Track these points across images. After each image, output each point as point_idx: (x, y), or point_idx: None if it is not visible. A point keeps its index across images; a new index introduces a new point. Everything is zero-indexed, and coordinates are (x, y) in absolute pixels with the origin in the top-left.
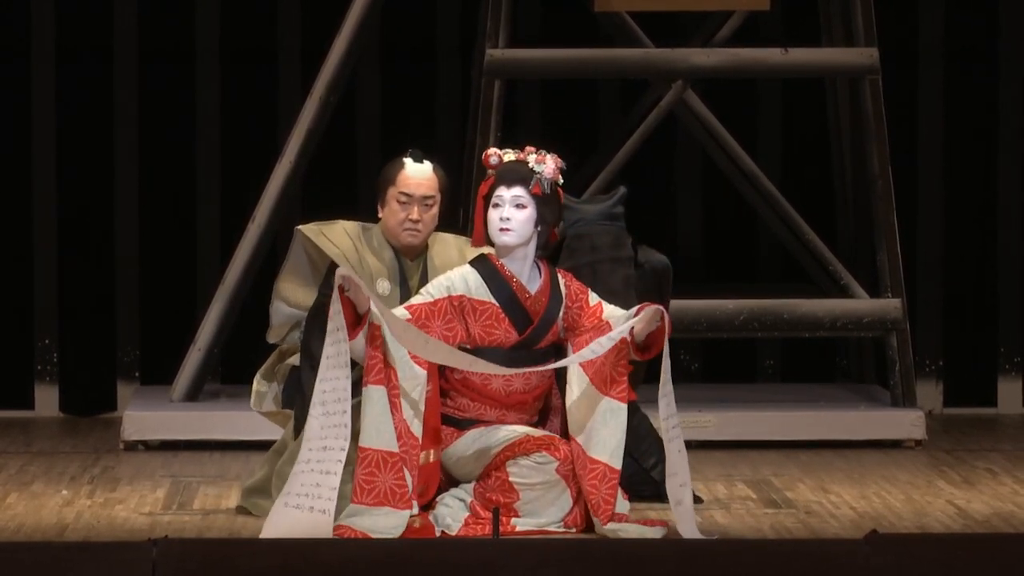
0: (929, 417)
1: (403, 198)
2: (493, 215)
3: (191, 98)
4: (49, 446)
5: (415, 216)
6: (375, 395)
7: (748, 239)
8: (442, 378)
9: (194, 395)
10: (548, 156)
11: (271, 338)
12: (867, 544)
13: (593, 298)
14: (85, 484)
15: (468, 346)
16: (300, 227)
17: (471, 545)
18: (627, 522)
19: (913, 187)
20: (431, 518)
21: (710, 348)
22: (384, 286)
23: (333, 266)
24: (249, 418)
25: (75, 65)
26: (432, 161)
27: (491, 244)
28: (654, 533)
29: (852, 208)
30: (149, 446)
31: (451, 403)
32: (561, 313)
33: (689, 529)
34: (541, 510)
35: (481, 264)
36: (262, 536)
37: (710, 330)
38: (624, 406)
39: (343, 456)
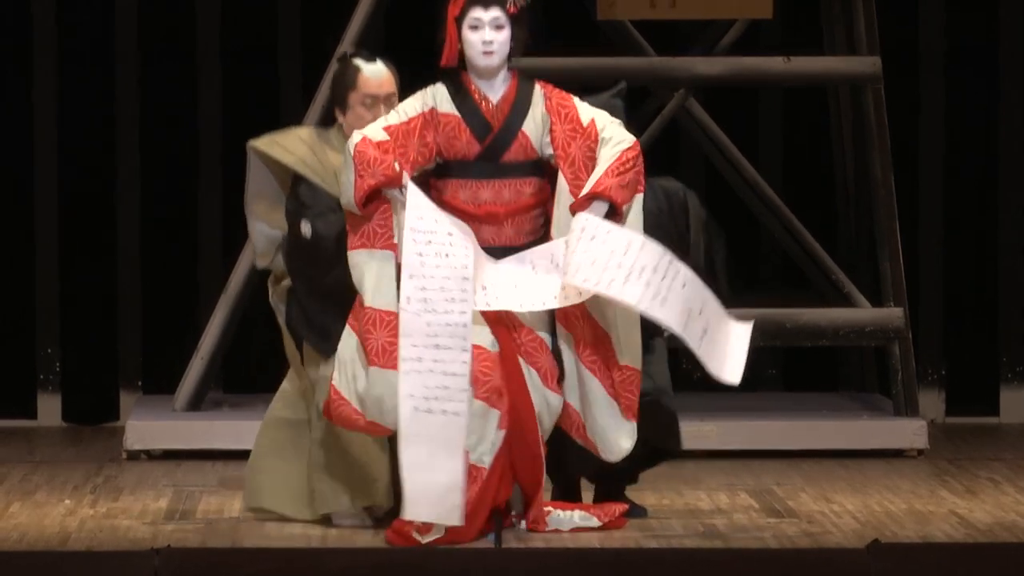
0: (931, 426)
1: (368, 100)
2: (474, 38)
3: (192, 102)
4: (52, 455)
5: (381, 116)
6: (383, 257)
7: (750, 247)
8: None
9: (197, 404)
10: None
11: (260, 264)
12: (869, 553)
13: (586, 115)
14: (88, 493)
15: (441, 159)
16: (252, 142)
17: (472, 555)
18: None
19: (915, 196)
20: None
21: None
22: None
23: (296, 179)
24: (252, 427)
25: (76, 69)
26: (382, 59)
27: (461, 65)
28: (587, 522)
29: (854, 216)
30: (152, 455)
31: None
32: (534, 126)
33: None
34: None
35: (449, 78)
36: (401, 444)
37: None
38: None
39: (467, 358)
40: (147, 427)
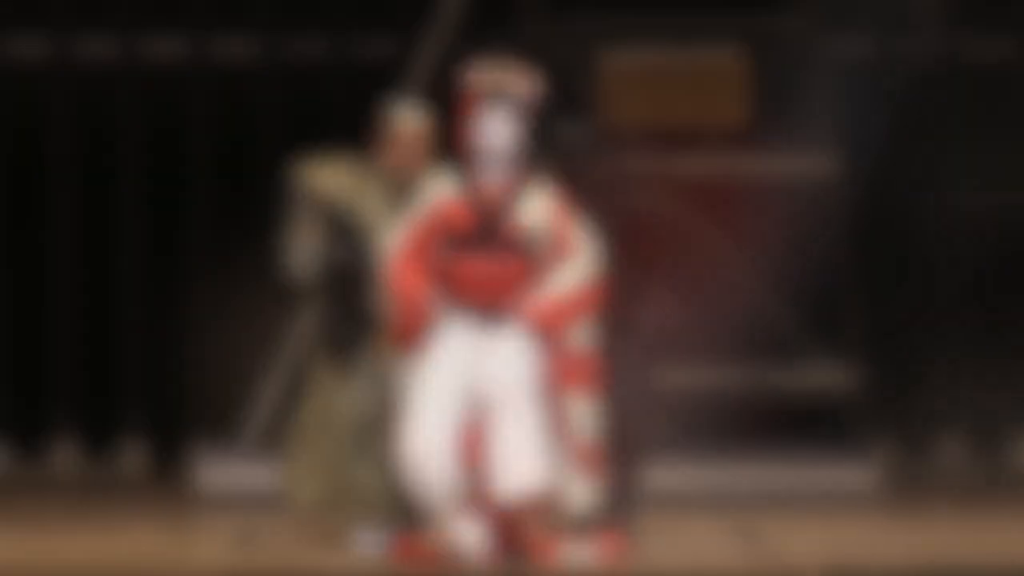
0: (883, 475)
1: (404, 137)
2: (486, 131)
3: None
4: (138, 498)
5: (414, 152)
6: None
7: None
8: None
9: (263, 458)
10: (526, 80)
11: (301, 277)
12: None
13: (576, 238)
14: (171, 529)
15: (444, 234)
16: (297, 166)
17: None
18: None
19: (874, 291)
20: None
21: (700, 420)
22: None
23: (334, 203)
24: None
25: (160, 191)
26: (417, 105)
27: (473, 154)
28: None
29: (824, 307)
30: (224, 499)
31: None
32: (525, 214)
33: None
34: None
35: (458, 168)
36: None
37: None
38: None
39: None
40: (220, 475)
